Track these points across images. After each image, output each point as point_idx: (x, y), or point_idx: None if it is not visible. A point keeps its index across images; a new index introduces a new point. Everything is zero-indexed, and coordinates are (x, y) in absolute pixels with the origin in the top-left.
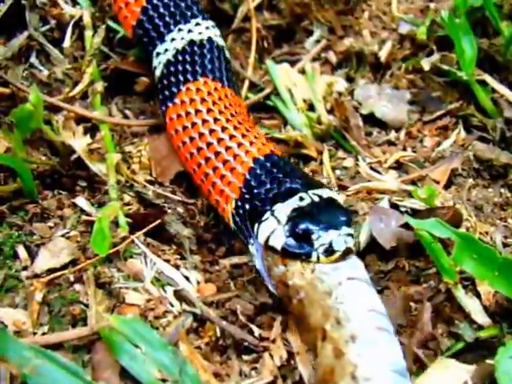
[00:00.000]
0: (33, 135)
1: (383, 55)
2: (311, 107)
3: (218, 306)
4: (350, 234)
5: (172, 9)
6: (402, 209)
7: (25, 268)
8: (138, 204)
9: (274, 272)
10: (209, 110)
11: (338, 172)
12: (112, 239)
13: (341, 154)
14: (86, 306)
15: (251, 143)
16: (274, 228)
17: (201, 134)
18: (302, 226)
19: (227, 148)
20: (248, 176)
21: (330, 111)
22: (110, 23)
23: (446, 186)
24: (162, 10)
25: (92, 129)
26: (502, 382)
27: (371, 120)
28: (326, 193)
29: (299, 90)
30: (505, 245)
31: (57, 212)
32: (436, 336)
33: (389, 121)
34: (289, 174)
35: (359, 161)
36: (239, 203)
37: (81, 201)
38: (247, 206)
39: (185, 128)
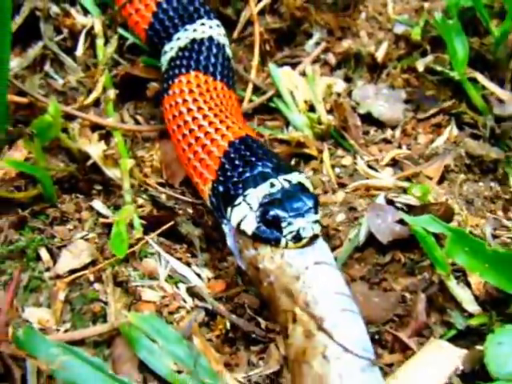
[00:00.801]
0: (51, 143)
1: (380, 56)
2: (312, 108)
3: (228, 301)
4: (316, 221)
5: (180, 11)
6: (398, 205)
7: (47, 269)
8: (151, 206)
9: (245, 254)
10: (194, 100)
11: (337, 170)
12: (128, 240)
13: (340, 152)
14: (106, 303)
15: (228, 127)
16: (245, 213)
17: (185, 122)
18: (272, 213)
19: (206, 133)
20: (223, 159)
21: (330, 111)
22: (120, 30)
23: (439, 182)
24: (171, 12)
25: (106, 135)
26: (491, 366)
27: (368, 119)
28: (295, 178)
29: (300, 92)
30: (494, 236)
31: (75, 215)
32: (429, 324)
33: (385, 120)
34: (261, 158)
35: (357, 159)
36: (215, 185)
37: (97, 204)
38: (221, 189)
39: (174, 116)
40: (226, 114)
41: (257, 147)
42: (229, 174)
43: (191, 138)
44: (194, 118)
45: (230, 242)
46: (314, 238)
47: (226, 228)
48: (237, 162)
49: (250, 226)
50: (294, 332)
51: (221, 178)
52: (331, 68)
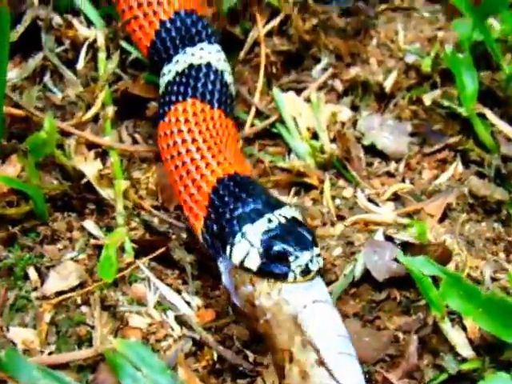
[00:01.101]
0: (45, 159)
1: (388, 85)
2: (315, 136)
3: (216, 331)
4: (319, 255)
5: (183, 32)
6: (397, 241)
7: (35, 289)
8: (144, 229)
9: (241, 291)
10: (189, 131)
11: (337, 201)
12: (118, 264)
13: (341, 183)
14: (92, 327)
15: (218, 163)
16: (247, 251)
17: (179, 153)
18: (278, 249)
19: (197, 167)
20: (212, 195)
21: (334, 140)
22: (123, 44)
23: (441, 220)
24: (173, 33)
25: (103, 153)
26: None
27: (372, 150)
28: (288, 212)
29: (304, 119)
30: (493, 279)
31: (66, 234)
32: (421, 367)
33: (389, 152)
34: (252, 194)
35: (357, 192)
36: (208, 222)
37: (89, 224)
38: (215, 227)
39: (168, 146)
40: (219, 148)
41: (247, 183)
42: (220, 210)
43: (183, 170)
44: (188, 150)
45: (225, 279)
46: (319, 271)
47: (221, 265)
48: (227, 199)
49: (254, 263)
50: (290, 372)
51: (212, 216)
52: (338, 95)
